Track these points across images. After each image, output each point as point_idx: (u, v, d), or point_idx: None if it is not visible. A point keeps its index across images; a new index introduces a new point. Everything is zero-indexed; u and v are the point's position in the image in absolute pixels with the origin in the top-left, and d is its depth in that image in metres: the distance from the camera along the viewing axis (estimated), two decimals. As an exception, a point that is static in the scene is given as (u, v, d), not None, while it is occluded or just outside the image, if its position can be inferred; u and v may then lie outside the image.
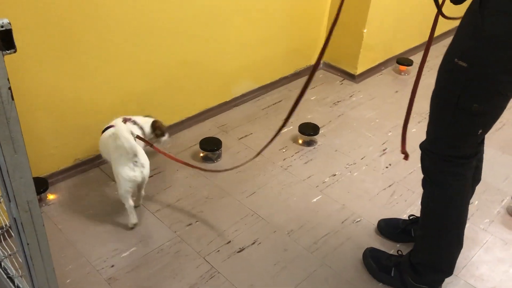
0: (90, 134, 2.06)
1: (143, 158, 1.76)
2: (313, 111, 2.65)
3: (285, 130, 2.47)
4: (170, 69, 2.22)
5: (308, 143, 2.38)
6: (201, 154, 2.23)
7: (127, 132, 1.68)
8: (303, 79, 2.96)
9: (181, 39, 2.19)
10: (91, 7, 1.81)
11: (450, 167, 1.40)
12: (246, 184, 2.10)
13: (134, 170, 1.73)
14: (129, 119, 1.88)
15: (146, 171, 1.77)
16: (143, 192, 1.90)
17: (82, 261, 1.70)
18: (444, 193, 1.45)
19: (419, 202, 2.03)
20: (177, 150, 2.28)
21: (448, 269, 1.56)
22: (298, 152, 2.32)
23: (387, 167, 2.25)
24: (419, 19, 3.14)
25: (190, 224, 1.87)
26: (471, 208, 1.87)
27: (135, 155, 1.71)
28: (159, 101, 2.26)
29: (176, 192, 2.03)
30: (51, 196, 1.97)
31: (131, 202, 1.80)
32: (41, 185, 1.91)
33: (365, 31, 2.77)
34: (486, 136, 1.46)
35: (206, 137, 2.27)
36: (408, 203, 2.04)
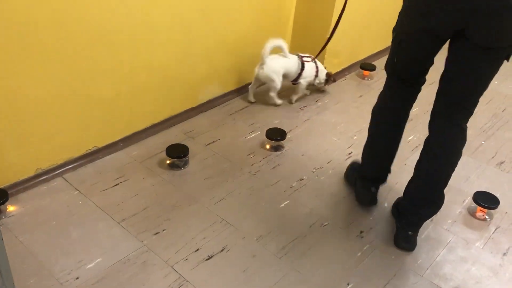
0: (52, 142, 2.00)
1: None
2: (280, 117, 2.66)
3: (252, 135, 2.48)
4: (135, 75, 2.19)
5: (276, 148, 2.39)
6: (168, 161, 2.21)
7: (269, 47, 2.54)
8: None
9: (146, 45, 2.16)
10: (53, 9, 1.76)
11: (384, 84, 1.89)
12: (214, 190, 2.08)
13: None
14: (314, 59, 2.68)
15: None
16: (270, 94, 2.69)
17: (44, 274, 1.64)
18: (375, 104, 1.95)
19: (385, 205, 2.08)
20: (142, 157, 2.24)
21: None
22: (266, 157, 2.33)
23: (353, 171, 2.28)
24: (382, 25, 3.21)
25: (157, 233, 1.84)
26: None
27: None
28: (124, 108, 2.22)
29: (143, 201, 2.00)
30: (11, 208, 1.90)
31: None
32: (0, 196, 1.84)
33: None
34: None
35: (173, 144, 2.24)
36: (373, 206, 2.07)
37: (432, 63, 1.75)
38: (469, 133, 2.54)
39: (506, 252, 1.90)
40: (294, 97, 2.80)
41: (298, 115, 2.70)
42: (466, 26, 1.49)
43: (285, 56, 2.65)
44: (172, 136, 2.42)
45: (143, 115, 2.35)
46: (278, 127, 2.47)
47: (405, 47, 1.71)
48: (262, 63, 2.60)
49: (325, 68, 2.85)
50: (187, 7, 2.25)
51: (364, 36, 3.18)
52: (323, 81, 2.83)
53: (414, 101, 1.88)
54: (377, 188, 2.05)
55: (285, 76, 2.69)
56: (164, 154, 2.20)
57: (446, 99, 1.71)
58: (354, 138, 2.53)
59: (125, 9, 2.00)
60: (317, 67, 2.77)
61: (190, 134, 2.44)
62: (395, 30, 1.73)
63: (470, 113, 1.72)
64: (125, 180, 2.10)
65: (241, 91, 2.83)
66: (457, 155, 1.75)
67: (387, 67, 1.86)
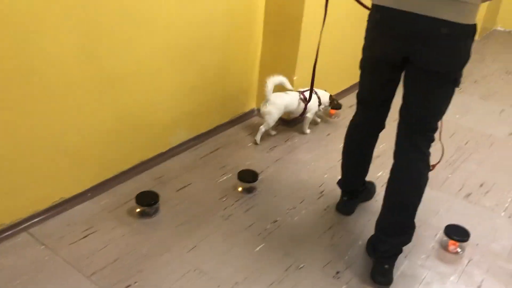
0: (15, 195, 1.93)
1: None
2: (251, 158, 2.67)
3: (224, 178, 2.46)
4: (102, 123, 2.16)
5: (248, 190, 2.38)
6: (138, 210, 2.15)
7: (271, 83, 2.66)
8: (240, 126, 2.99)
9: (113, 92, 2.15)
10: (20, 56, 1.74)
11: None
12: (187, 237, 2.04)
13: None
14: (311, 90, 2.56)
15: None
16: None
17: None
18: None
19: (359, 243, 2.08)
20: (112, 206, 2.19)
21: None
22: (239, 200, 2.31)
23: (325, 209, 2.29)
24: (347, 63, 3.31)
25: (129, 286, 1.78)
26: (409, 245, 1.93)
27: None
28: (92, 156, 2.18)
29: (113, 252, 1.93)
30: (-28, 268, 1.80)
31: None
32: (-40, 256, 1.75)
33: (295, 78, 2.88)
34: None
35: (143, 191, 2.20)
36: (348, 245, 2.07)
37: (394, 91, 1.86)
38: (434, 169, 2.60)
39: (480, 284, 1.91)
40: (306, 128, 2.96)
41: (269, 155, 2.71)
42: (409, 52, 1.63)
43: (287, 93, 2.78)
44: (142, 182, 2.37)
45: (112, 163, 2.31)
46: (250, 168, 2.47)
47: (365, 73, 1.90)
48: (266, 101, 2.71)
49: (325, 90, 3.00)
50: (153, 52, 2.27)
51: (330, 74, 3.26)
52: (328, 104, 2.99)
53: (380, 127, 2.01)
54: (349, 198, 2.25)
55: (289, 112, 2.84)
56: (134, 202, 2.15)
57: (404, 123, 1.80)
58: (325, 176, 2.55)
59: (89, 56, 1.99)
60: (318, 97, 2.90)
61: (161, 180, 2.41)
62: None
63: (429, 137, 1.80)
64: (94, 231, 2.03)
65: (211, 133, 2.83)
66: (421, 178, 1.80)
67: (357, 93, 2.00)
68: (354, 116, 2.04)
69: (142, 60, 2.23)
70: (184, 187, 2.37)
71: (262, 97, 2.97)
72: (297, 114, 2.87)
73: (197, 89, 2.62)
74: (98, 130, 2.16)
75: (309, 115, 2.91)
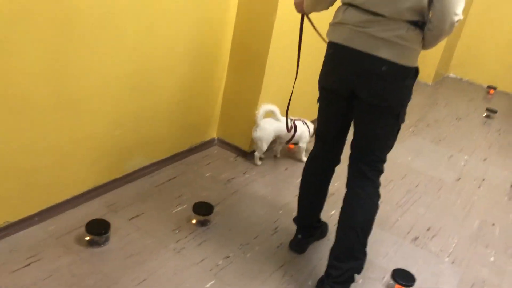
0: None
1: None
2: (207, 189, 2.66)
3: (178, 209, 2.44)
4: (58, 146, 2.10)
5: (202, 223, 2.36)
6: (87, 238, 2.09)
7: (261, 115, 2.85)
8: (200, 155, 2.98)
9: (73, 113, 2.10)
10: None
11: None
12: (136, 270, 1.99)
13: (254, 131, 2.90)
14: (287, 119, 2.65)
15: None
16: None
17: None
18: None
19: (309, 283, 2.10)
20: (60, 233, 2.11)
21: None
22: (192, 232, 2.29)
23: (278, 247, 2.30)
24: (309, 98, 3.39)
25: (71, 320, 1.71)
26: (356, 286, 1.97)
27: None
28: (43, 179, 2.10)
29: (57, 283, 1.85)
30: None
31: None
32: None
33: (257, 111, 2.91)
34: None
35: (93, 219, 2.13)
36: (299, 283, 2.09)
37: (347, 126, 2.01)
38: (386, 208, 2.71)
39: (422, 330, 1.97)
40: (302, 157, 3.14)
41: (226, 187, 2.71)
42: (355, 86, 1.80)
43: (277, 120, 2.91)
44: (94, 209, 2.31)
45: (64, 187, 2.23)
46: (206, 200, 2.46)
47: (321, 107, 2.03)
48: (257, 126, 2.86)
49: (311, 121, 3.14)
50: (115, 77, 2.24)
51: (291, 108, 3.32)
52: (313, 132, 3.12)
53: (335, 161, 2.12)
54: (303, 236, 2.28)
55: (277, 137, 2.99)
56: (83, 229, 2.09)
57: (354, 154, 1.97)
58: (280, 212, 2.57)
59: (48, 76, 1.94)
60: (308, 127, 3.08)
61: (113, 207, 2.35)
62: None
63: (377, 168, 1.94)
64: (39, 259, 1.95)
65: (168, 161, 2.81)
66: (371, 203, 1.93)
67: (315, 127, 2.20)
68: (312, 149, 2.14)
69: (106, 83, 2.20)
70: (137, 216, 2.33)
71: (224, 127, 2.98)
72: (284, 141, 3.05)
73: (158, 115, 2.60)
74: (52, 152, 2.09)
75: (302, 144, 3.09)
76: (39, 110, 1.96)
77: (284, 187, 2.81)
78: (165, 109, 2.63)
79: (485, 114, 4.85)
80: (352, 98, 1.85)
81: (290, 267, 2.17)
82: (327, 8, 1.93)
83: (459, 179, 3.34)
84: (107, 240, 2.12)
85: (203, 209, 2.35)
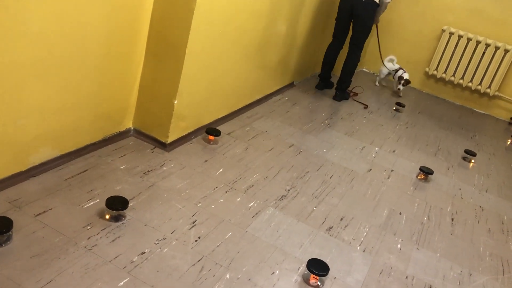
0: None
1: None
2: (122, 182, 2.54)
3: (90, 204, 2.31)
4: None
5: (116, 218, 2.25)
6: (-14, 238, 1.91)
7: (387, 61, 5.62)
8: (114, 146, 2.85)
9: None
10: None
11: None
12: (42, 271, 1.85)
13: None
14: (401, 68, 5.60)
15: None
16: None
17: None
18: None
19: (227, 276, 2.09)
20: (-48, 233, 1.91)
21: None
22: (105, 228, 2.18)
23: (196, 241, 2.27)
24: (227, 92, 3.37)
25: (-35, 330, 1.55)
26: (272, 277, 1.99)
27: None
28: None
29: None
30: None
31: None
32: None
33: (175, 102, 2.84)
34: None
35: (-7, 217, 1.96)
36: (216, 277, 2.07)
37: (348, 29, 4.67)
38: (302, 199, 2.78)
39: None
40: (396, 87, 5.67)
41: (142, 181, 2.61)
42: (352, 9, 4.41)
43: (393, 64, 5.74)
44: (-6, 205, 2.12)
45: (-43, 182, 2.02)
46: (120, 194, 2.35)
47: (337, 21, 4.65)
48: (383, 63, 5.67)
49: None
50: (19, 64, 2.05)
51: (211, 101, 3.29)
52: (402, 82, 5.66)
53: (342, 44, 4.79)
54: (323, 82, 5.00)
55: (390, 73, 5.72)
56: (-19, 229, 1.90)
57: (351, 41, 4.66)
58: (199, 205, 2.53)
59: None
60: (404, 72, 5.66)
61: (16, 203, 2.17)
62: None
63: (359, 46, 4.69)
64: None
65: (79, 152, 2.64)
66: (355, 60, 4.74)
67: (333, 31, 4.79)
68: (331, 42, 4.77)
69: (7, 71, 2.01)
70: (44, 212, 2.17)
71: (141, 117, 2.90)
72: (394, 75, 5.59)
73: (67, 104, 2.43)
74: None
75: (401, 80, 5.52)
76: None
77: (203, 180, 2.77)
78: (74, 97, 2.47)
79: (394, 108, 5.15)
80: (351, 14, 4.44)
81: (207, 262, 2.15)
82: None
83: (370, 170, 3.52)
84: (8, 239, 1.95)
85: (117, 204, 2.25)
